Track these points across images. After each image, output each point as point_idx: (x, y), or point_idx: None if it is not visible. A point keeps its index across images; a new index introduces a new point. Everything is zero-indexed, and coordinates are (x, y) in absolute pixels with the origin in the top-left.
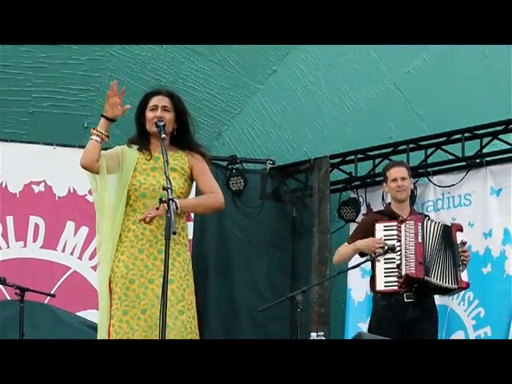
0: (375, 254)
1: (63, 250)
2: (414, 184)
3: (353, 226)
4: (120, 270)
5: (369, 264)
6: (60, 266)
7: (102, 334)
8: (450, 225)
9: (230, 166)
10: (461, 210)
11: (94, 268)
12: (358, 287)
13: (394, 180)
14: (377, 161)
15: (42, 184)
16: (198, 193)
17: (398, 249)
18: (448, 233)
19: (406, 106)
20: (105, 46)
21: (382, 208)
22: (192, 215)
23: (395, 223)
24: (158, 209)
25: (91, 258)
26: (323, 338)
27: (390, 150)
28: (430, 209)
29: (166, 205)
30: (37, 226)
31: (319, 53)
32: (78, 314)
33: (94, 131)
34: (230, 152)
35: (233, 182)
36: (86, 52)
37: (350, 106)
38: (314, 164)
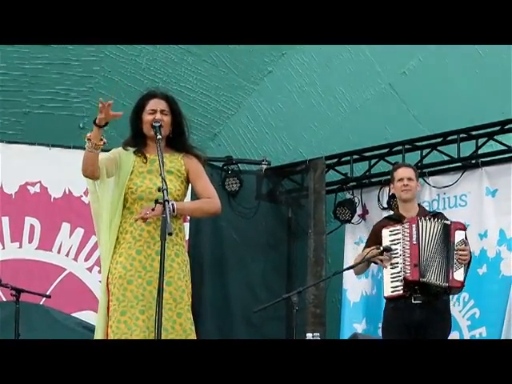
0: (373, 256)
1: (59, 251)
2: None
3: (348, 227)
4: (118, 271)
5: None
6: (55, 267)
7: (99, 335)
8: (449, 223)
9: (225, 167)
10: (456, 210)
11: (90, 269)
12: (353, 288)
13: (400, 180)
14: (372, 161)
15: (38, 185)
16: (194, 195)
17: (396, 250)
18: (446, 231)
19: (401, 107)
20: (99, 47)
21: (380, 209)
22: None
23: (399, 227)
24: (153, 209)
25: (87, 259)
26: (319, 339)
27: (385, 150)
28: None
29: (161, 206)
30: (32, 227)
31: (315, 54)
32: (73, 315)
33: (88, 142)
34: (225, 153)
35: (228, 183)
36: (81, 53)
37: (345, 106)
38: (310, 165)
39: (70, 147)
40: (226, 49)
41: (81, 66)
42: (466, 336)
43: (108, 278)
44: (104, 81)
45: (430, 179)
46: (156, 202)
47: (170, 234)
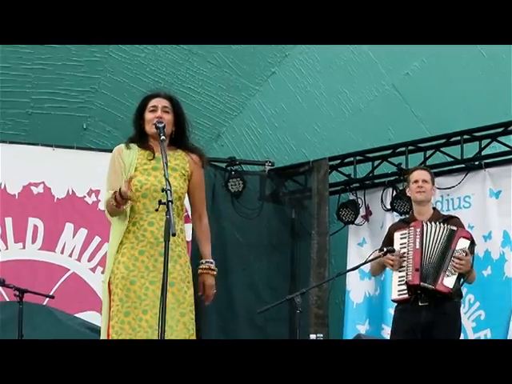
0: (376, 258)
1: (62, 252)
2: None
3: (352, 228)
4: (120, 271)
5: (367, 266)
6: (59, 268)
7: (103, 336)
8: (455, 229)
9: (228, 168)
10: (460, 212)
11: (93, 270)
12: (356, 289)
13: (416, 182)
14: (376, 163)
15: (41, 185)
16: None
17: (405, 255)
18: (450, 237)
19: (404, 108)
20: (103, 48)
21: (383, 211)
22: (191, 216)
23: (407, 231)
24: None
25: (90, 259)
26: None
27: (389, 151)
28: None
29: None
30: (36, 228)
31: (318, 54)
32: (76, 315)
33: (113, 200)
34: (228, 154)
35: (232, 184)
36: (85, 53)
37: (348, 107)
38: (313, 166)
39: (73, 148)
40: (229, 50)
41: (84, 67)
42: (471, 338)
43: (110, 277)
44: (107, 81)
45: None
46: (159, 202)
47: (174, 234)
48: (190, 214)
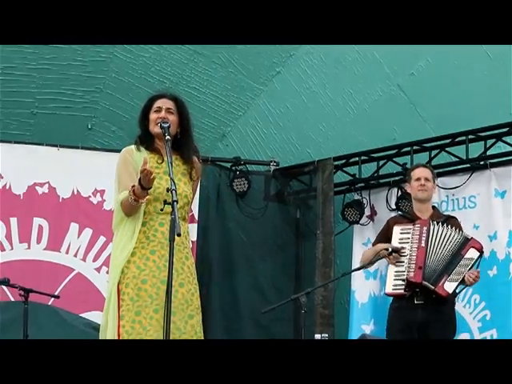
0: (378, 256)
1: (67, 252)
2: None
3: (357, 228)
4: (131, 270)
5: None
6: (64, 268)
7: (107, 335)
8: (469, 238)
9: (233, 168)
10: (465, 212)
11: (98, 270)
12: (361, 289)
13: (418, 179)
14: (381, 162)
15: (46, 185)
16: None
17: (404, 251)
18: (463, 244)
19: (409, 108)
20: (108, 48)
21: (388, 210)
22: (196, 217)
23: (410, 226)
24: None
25: (95, 259)
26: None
27: (393, 151)
28: None
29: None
30: (41, 228)
31: (323, 54)
32: (81, 315)
33: (132, 195)
34: (233, 153)
35: (236, 184)
36: (90, 53)
37: (353, 107)
38: (318, 166)
39: (78, 147)
40: (234, 50)
41: (89, 67)
42: (477, 338)
43: (120, 277)
44: (112, 81)
45: (439, 180)
46: (165, 202)
47: (179, 234)
48: (195, 215)
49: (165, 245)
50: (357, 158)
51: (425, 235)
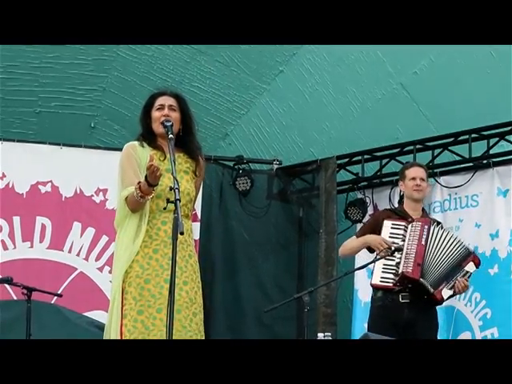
0: (383, 253)
1: (70, 251)
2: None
3: (359, 227)
4: (134, 269)
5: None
6: (66, 267)
7: (111, 334)
8: (471, 251)
9: (236, 167)
10: (468, 210)
11: (101, 269)
12: (364, 288)
13: (413, 179)
14: (384, 161)
15: (49, 184)
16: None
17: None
18: (465, 256)
19: (412, 107)
20: (111, 46)
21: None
22: (199, 215)
23: (403, 223)
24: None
25: (97, 258)
26: (330, 339)
27: (396, 150)
28: (437, 209)
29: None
30: (43, 227)
31: (326, 53)
32: (84, 314)
33: (138, 191)
34: (236, 152)
35: (239, 183)
36: (93, 52)
37: (356, 106)
38: (321, 164)
39: (81, 146)
40: (237, 49)
41: (93, 66)
42: (478, 336)
43: (123, 276)
44: (115, 80)
45: (442, 179)
46: (168, 201)
47: (182, 233)
48: (198, 214)
49: (168, 243)
50: (360, 157)
51: (425, 234)
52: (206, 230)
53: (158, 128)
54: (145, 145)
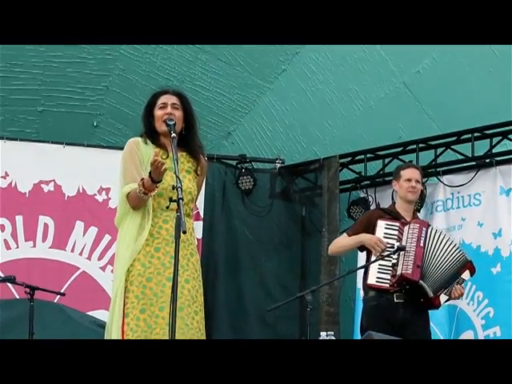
0: (385, 252)
1: (72, 250)
2: (423, 184)
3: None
4: (136, 268)
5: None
6: (69, 266)
7: (113, 333)
8: (469, 260)
9: (239, 166)
10: (470, 209)
11: (103, 268)
12: None
13: (409, 180)
14: (386, 160)
15: (52, 183)
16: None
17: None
18: (463, 264)
19: (415, 106)
20: (114, 45)
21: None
22: (201, 214)
23: (397, 224)
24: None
25: (100, 258)
26: (333, 338)
27: (399, 149)
28: (439, 208)
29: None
30: (46, 226)
31: (329, 52)
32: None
33: (141, 188)
34: (239, 151)
35: (242, 182)
36: (96, 51)
37: (359, 105)
38: (324, 163)
39: (83, 145)
40: (240, 47)
41: (96, 65)
42: (480, 335)
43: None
44: (118, 79)
45: (444, 178)
46: (170, 200)
47: (185, 232)
48: (200, 213)
49: (169, 241)
50: (362, 156)
51: (423, 236)
52: (209, 229)
53: (160, 126)
54: (148, 142)
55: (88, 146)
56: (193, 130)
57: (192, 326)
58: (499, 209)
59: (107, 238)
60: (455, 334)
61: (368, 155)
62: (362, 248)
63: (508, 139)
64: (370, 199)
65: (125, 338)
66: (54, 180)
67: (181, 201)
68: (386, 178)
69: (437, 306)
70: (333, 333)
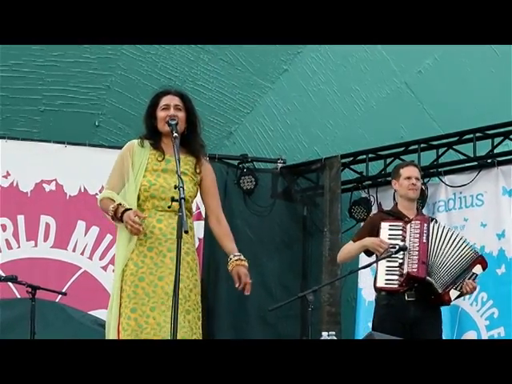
0: (387, 253)
1: (74, 250)
2: (425, 184)
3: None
4: (129, 267)
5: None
6: (70, 266)
7: (110, 333)
8: (479, 254)
9: (240, 165)
10: (473, 210)
11: (105, 268)
12: (368, 287)
13: (408, 178)
14: (388, 160)
15: (53, 183)
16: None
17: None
18: (473, 259)
19: (417, 106)
20: (116, 45)
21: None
22: (202, 213)
23: (401, 223)
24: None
25: (101, 257)
26: (334, 338)
27: (401, 149)
28: (441, 209)
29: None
30: (48, 226)
31: (330, 52)
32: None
33: (112, 213)
34: (240, 151)
35: (243, 181)
36: (97, 51)
37: (361, 105)
38: (325, 163)
39: (85, 145)
40: (241, 47)
41: (98, 64)
42: (484, 336)
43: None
44: (120, 79)
45: (446, 178)
46: (172, 199)
47: (186, 231)
48: (202, 212)
49: (162, 241)
50: (364, 156)
51: (425, 232)
52: (211, 229)
53: (163, 127)
54: (145, 144)
55: (90, 145)
56: (195, 130)
57: (184, 325)
58: (502, 209)
59: (109, 237)
60: (457, 334)
61: (370, 155)
62: (368, 253)
63: (510, 139)
64: (372, 199)
65: (120, 337)
66: (55, 179)
67: (183, 200)
68: (388, 178)
69: (447, 302)
70: (334, 333)
